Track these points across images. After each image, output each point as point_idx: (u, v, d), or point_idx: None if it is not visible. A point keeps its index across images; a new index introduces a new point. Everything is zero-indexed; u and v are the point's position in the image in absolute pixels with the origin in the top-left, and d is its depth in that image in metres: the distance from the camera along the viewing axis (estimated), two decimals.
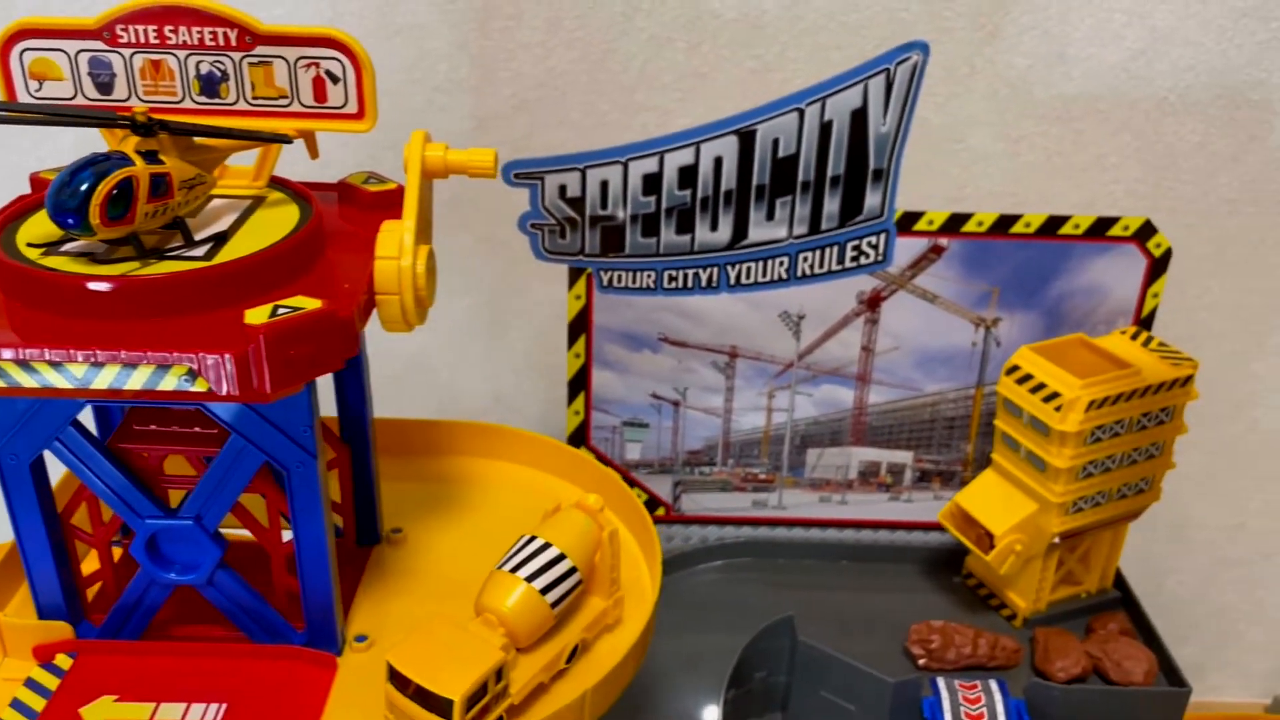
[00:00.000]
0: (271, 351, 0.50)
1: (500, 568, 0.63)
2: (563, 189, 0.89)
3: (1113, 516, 0.91)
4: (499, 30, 1.07)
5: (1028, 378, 0.87)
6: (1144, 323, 0.94)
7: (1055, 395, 0.84)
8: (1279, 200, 1.13)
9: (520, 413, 1.26)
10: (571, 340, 0.97)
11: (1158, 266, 0.92)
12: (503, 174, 0.89)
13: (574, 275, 0.93)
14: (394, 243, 0.58)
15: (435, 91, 1.10)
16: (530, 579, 0.62)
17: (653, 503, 1.03)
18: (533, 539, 0.64)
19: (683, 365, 0.97)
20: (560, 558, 0.63)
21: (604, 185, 0.89)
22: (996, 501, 0.91)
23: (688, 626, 0.97)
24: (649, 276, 0.92)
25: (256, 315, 0.51)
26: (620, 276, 0.92)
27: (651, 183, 0.89)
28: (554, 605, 0.62)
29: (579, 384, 0.98)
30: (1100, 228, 0.90)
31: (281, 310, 0.51)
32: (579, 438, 1.00)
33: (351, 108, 0.62)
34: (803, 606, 0.96)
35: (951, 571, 1.01)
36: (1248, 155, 1.11)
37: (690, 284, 0.92)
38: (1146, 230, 0.91)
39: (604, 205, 0.89)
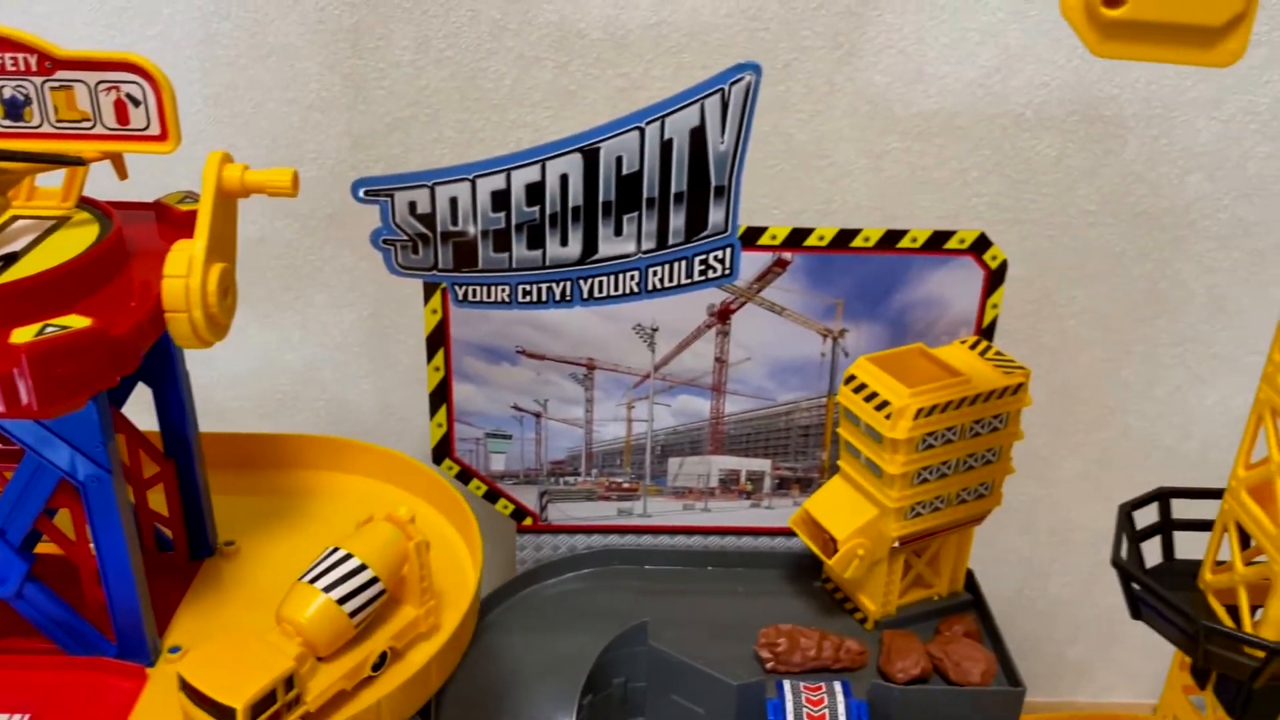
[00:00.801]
0: (35, 370, 0.52)
1: (301, 579, 0.65)
2: (413, 205, 0.91)
3: (954, 521, 0.94)
4: (369, 50, 1.09)
5: (863, 387, 0.89)
6: (985, 332, 0.97)
7: (886, 404, 0.87)
8: (1136, 212, 1.16)
9: (410, 423, 1.27)
10: (430, 354, 0.98)
11: (995, 278, 0.95)
12: (351, 191, 0.91)
13: (429, 290, 0.95)
14: (182, 261, 0.59)
15: (310, 110, 1.12)
16: (328, 590, 0.64)
17: (520, 513, 1.04)
18: (336, 550, 0.66)
19: (542, 377, 0.99)
20: (361, 569, 0.65)
21: (453, 202, 0.91)
22: (841, 507, 0.93)
23: (553, 634, 0.98)
24: (503, 291, 0.94)
25: (22, 334, 0.52)
26: (475, 291, 0.94)
27: (500, 199, 0.90)
28: (353, 615, 0.64)
29: (440, 397, 1.00)
30: (937, 241, 0.93)
31: (49, 329, 0.53)
32: (443, 449, 1.02)
33: (154, 130, 0.64)
34: (667, 612, 0.98)
35: (812, 576, 1.03)
36: (1104, 169, 1.14)
37: (544, 298, 0.94)
38: (982, 243, 0.93)
39: (454, 221, 0.91)
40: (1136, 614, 0.66)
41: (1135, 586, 0.64)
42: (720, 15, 1.07)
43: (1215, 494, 0.67)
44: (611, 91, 1.11)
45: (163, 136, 0.64)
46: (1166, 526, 0.69)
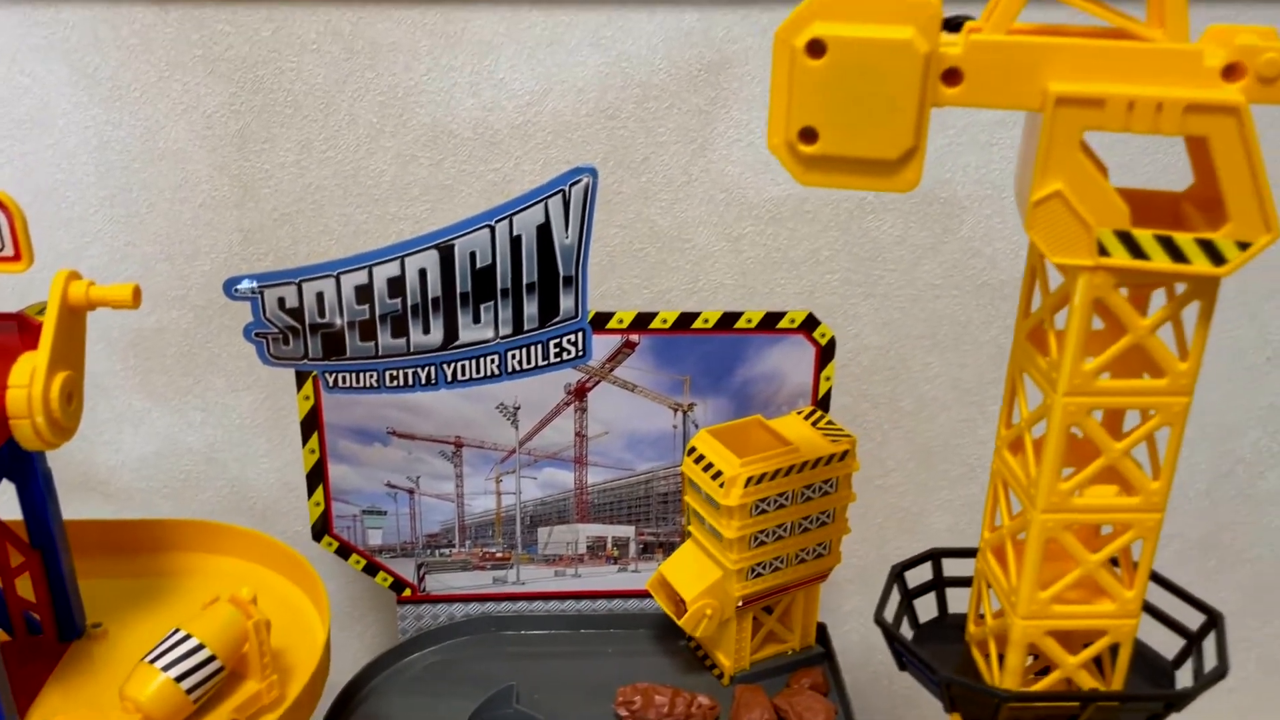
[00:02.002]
0: None
1: (144, 659, 0.70)
2: (281, 301, 0.98)
3: (796, 579, 1.01)
4: (255, 152, 1.17)
5: (702, 458, 0.96)
6: (821, 402, 1.05)
7: (720, 473, 0.94)
8: (978, 284, 1.26)
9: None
10: (305, 438, 1.05)
11: (825, 353, 1.03)
12: (224, 289, 0.98)
13: (301, 377, 1.02)
14: (25, 371, 0.66)
15: (201, 209, 1.19)
16: (167, 669, 0.69)
17: (399, 584, 1.10)
18: (177, 632, 0.72)
19: (413, 456, 1.06)
20: (199, 648, 0.70)
21: (320, 296, 0.98)
22: (691, 570, 1.00)
23: (428, 699, 1.04)
24: (371, 376, 1.01)
25: None
26: (345, 377, 1.01)
27: (363, 293, 0.98)
28: (190, 692, 0.70)
29: (317, 477, 1.06)
30: (770, 321, 1.02)
31: None
32: (322, 527, 1.07)
33: (9, 251, 0.71)
34: (539, 674, 1.04)
35: (677, 635, 1.09)
36: (944, 245, 1.24)
37: (410, 382, 1.01)
38: (810, 322, 1.02)
39: (321, 314, 0.98)
40: (902, 666, 0.73)
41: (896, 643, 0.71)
42: (581, 115, 1.16)
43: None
44: (485, 185, 1.19)
45: (16, 257, 0.71)
46: (939, 584, 0.76)
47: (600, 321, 1.01)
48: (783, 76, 0.56)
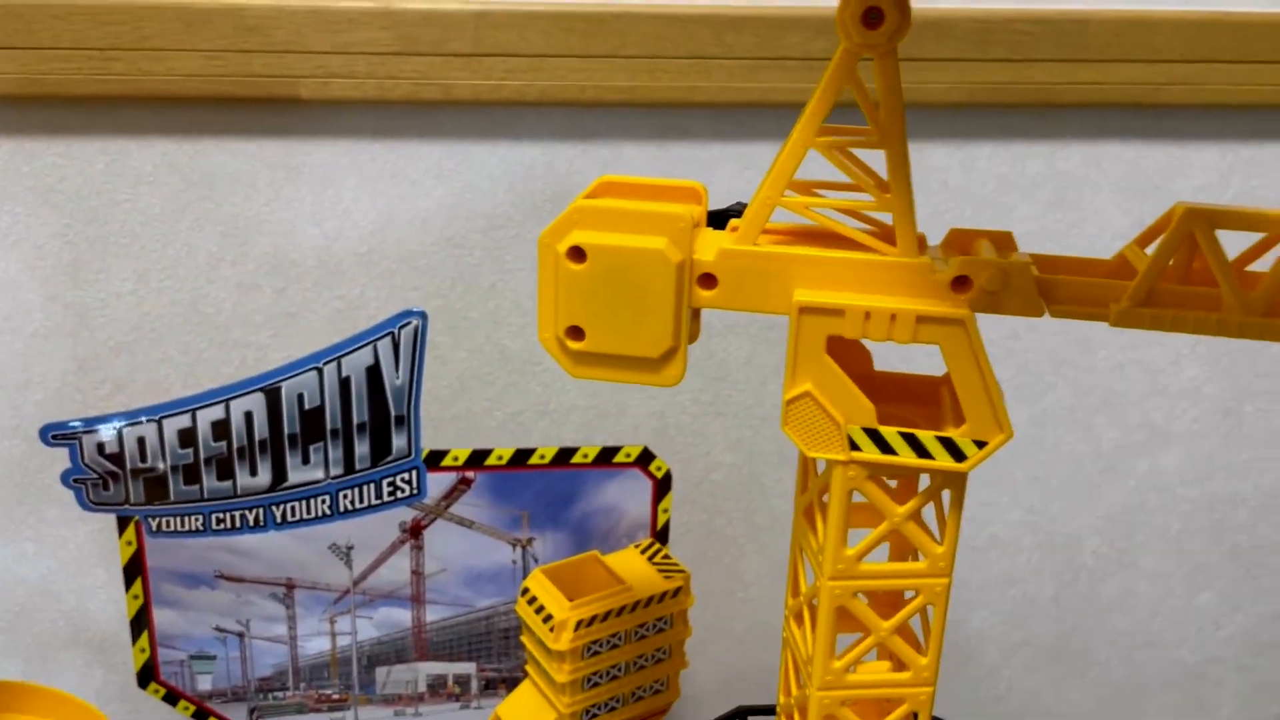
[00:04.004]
0: None
1: None
2: (101, 446, 0.95)
3: (632, 718, 1.00)
4: (89, 282, 1.14)
5: (534, 599, 0.96)
6: (660, 534, 1.06)
7: (550, 617, 0.93)
8: None
9: None
10: (128, 583, 1.01)
11: (662, 486, 1.04)
12: (40, 435, 0.95)
13: (123, 523, 0.99)
14: None
15: (33, 338, 1.16)
16: None
17: None
18: None
19: (242, 599, 1.03)
20: None
21: (141, 441, 0.95)
22: (528, 710, 0.98)
23: None
24: (196, 520, 0.98)
25: None
26: (168, 521, 0.98)
27: (187, 436, 0.96)
28: None
29: (141, 623, 1.02)
30: (606, 456, 1.02)
31: None
32: (148, 674, 1.03)
33: None
34: None
35: None
36: None
37: (238, 524, 0.99)
38: (646, 456, 1.03)
39: (144, 459, 0.96)
40: None
41: None
42: (427, 244, 1.17)
43: None
44: (330, 312, 1.18)
45: None
46: None
47: (435, 459, 1.00)
48: (549, 277, 0.57)
